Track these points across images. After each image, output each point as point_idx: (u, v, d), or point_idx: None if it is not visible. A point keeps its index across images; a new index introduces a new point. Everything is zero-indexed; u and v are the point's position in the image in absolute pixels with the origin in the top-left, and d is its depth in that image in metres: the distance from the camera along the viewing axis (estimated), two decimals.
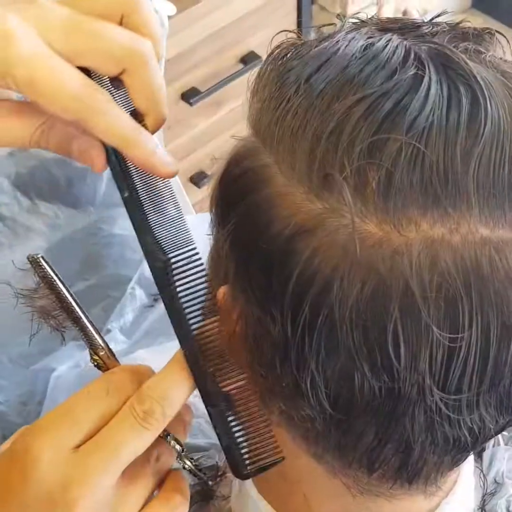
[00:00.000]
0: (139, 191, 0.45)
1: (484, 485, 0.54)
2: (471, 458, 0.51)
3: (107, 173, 1.33)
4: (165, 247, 0.44)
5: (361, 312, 0.35)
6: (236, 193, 0.40)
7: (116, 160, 0.46)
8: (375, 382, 0.36)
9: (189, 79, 1.46)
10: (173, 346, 0.89)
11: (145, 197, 0.45)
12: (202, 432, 0.65)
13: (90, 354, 0.47)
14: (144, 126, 0.45)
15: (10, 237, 1.21)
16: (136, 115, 0.46)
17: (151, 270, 0.44)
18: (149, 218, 0.45)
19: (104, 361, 0.47)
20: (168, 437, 0.44)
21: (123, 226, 1.23)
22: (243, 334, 0.41)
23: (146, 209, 0.45)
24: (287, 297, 0.37)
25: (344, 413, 0.38)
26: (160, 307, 1.11)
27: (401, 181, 0.35)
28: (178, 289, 0.43)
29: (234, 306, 0.41)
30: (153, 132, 0.46)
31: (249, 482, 0.53)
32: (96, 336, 0.46)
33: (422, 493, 0.43)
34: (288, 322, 0.37)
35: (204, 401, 0.43)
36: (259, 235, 0.38)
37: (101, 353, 0.47)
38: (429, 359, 0.35)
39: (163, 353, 0.83)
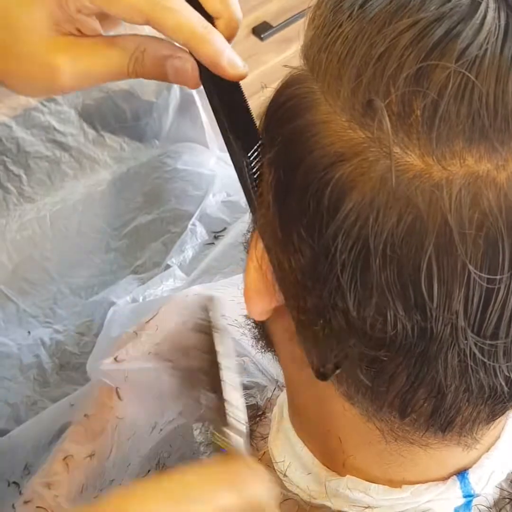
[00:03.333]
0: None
1: None
2: None
3: (173, 107, 1.31)
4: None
5: (396, 246, 0.33)
6: (279, 120, 0.39)
7: (209, 76, 0.45)
8: (408, 321, 0.35)
9: (260, 13, 1.42)
10: (228, 283, 0.88)
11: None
12: (245, 370, 0.65)
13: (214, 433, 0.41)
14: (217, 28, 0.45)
15: (75, 167, 1.21)
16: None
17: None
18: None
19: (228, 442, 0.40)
20: None
21: (187, 161, 1.22)
22: (277, 263, 0.40)
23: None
24: (322, 228, 0.35)
25: (377, 352, 0.36)
26: (220, 244, 1.11)
27: (447, 111, 0.33)
28: None
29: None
30: (228, 37, 0.46)
31: (287, 423, 0.52)
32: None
33: (458, 444, 0.42)
34: (322, 254, 0.36)
35: None
36: (298, 163, 0.36)
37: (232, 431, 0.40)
38: (464, 300, 0.34)
39: (215, 289, 0.83)
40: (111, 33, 0.49)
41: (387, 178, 0.33)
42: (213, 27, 0.44)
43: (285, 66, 0.42)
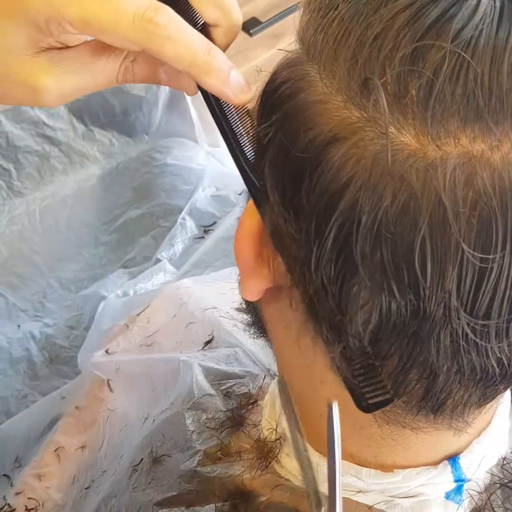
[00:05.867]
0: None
1: None
2: (508, 399, 0.49)
3: (162, 102, 1.31)
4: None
5: (390, 225, 0.34)
6: (275, 102, 0.39)
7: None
8: (401, 300, 0.35)
9: (249, 9, 1.42)
10: (218, 276, 0.89)
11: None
12: (237, 360, 0.65)
13: None
14: (215, 41, 0.42)
15: (65, 162, 1.21)
16: (207, 31, 0.43)
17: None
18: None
19: None
20: None
21: (177, 156, 1.22)
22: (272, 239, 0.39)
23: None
24: (316, 208, 0.35)
25: (370, 334, 0.36)
26: (210, 238, 1.11)
27: (442, 91, 0.33)
28: None
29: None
30: (227, 44, 0.44)
31: (279, 411, 0.52)
32: None
33: (449, 428, 0.42)
34: (314, 233, 0.36)
35: None
36: (294, 143, 0.36)
37: None
38: (457, 279, 0.34)
39: (207, 283, 0.83)
40: None
41: (381, 157, 0.33)
42: (215, 50, 0.41)
43: (280, 50, 0.41)
